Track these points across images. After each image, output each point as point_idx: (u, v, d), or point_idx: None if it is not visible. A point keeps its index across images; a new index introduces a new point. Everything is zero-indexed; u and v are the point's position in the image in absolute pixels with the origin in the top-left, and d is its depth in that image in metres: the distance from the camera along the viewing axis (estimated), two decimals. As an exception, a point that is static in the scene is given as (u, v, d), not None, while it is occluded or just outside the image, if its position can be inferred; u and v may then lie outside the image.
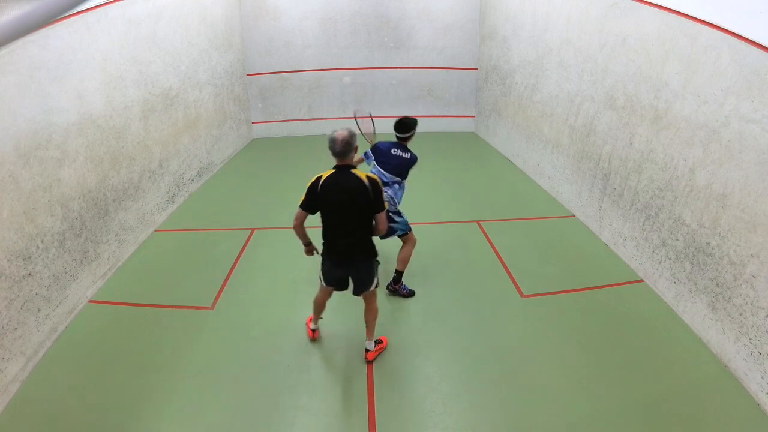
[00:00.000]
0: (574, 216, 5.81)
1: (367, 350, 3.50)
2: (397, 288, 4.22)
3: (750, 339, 3.18)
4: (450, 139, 9.29)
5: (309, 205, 3.06)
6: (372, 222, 3.09)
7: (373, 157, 4.03)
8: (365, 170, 3.37)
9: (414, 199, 6.70)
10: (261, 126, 9.60)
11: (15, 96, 3.44)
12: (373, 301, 3.39)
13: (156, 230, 5.59)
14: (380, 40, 9.17)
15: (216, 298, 4.28)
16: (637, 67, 4.40)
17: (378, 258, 3.27)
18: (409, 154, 4.04)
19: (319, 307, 3.60)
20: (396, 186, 4.03)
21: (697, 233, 3.71)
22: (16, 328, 3.33)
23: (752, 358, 3.15)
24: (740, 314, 3.27)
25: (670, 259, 4.06)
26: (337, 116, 9.68)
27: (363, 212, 3.02)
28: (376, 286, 3.32)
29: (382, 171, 3.96)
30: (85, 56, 4.29)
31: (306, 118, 9.69)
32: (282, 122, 9.67)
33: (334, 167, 3.05)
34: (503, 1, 7.77)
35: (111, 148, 4.68)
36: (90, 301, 4.24)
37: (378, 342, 3.58)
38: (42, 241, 3.67)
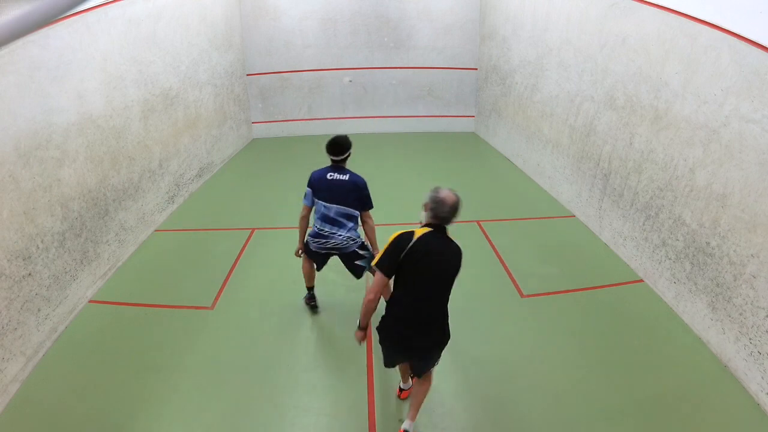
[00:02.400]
0: (574, 216, 5.81)
1: (405, 430, 2.77)
2: None
3: (750, 339, 3.18)
4: (450, 139, 9.29)
5: (389, 265, 2.42)
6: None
7: (311, 195, 3.46)
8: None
9: (414, 199, 6.69)
10: (261, 126, 9.61)
11: (15, 96, 3.44)
12: (429, 379, 2.80)
13: (156, 230, 5.59)
14: (380, 40, 9.17)
15: (216, 298, 4.28)
16: (637, 67, 4.40)
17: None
18: (348, 175, 3.43)
19: (404, 371, 3.05)
20: (349, 222, 3.44)
21: (697, 233, 3.71)
22: (16, 328, 3.33)
23: (752, 358, 3.15)
24: (740, 314, 3.27)
25: (670, 259, 4.06)
26: (337, 116, 9.70)
27: (449, 290, 2.51)
28: (435, 364, 2.76)
29: (324, 204, 3.40)
30: (85, 56, 4.28)
31: (306, 118, 9.69)
32: (282, 122, 9.67)
33: (433, 227, 2.45)
34: (503, 1, 7.77)
35: (111, 148, 4.68)
36: (90, 301, 4.24)
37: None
38: (42, 241, 3.67)
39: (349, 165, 3.63)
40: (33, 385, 3.32)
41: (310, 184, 3.49)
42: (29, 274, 3.51)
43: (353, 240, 3.52)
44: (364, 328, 2.66)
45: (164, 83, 5.83)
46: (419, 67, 9.39)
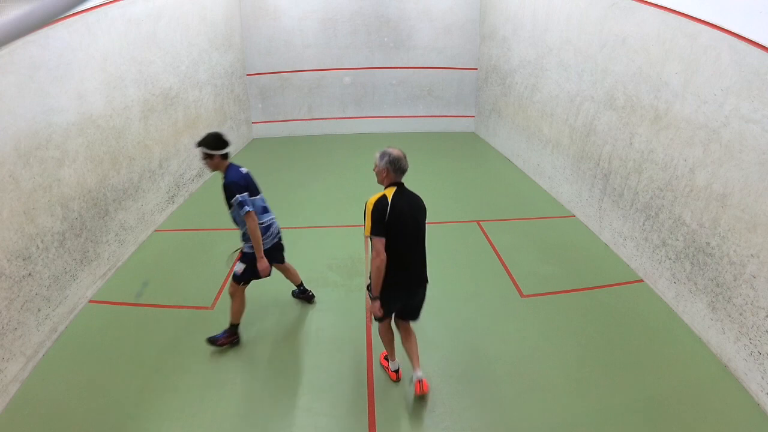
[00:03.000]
0: (574, 216, 5.81)
1: (419, 380, 3.06)
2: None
3: (750, 339, 3.18)
4: (450, 139, 9.30)
5: (382, 229, 2.71)
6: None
7: (250, 199, 3.27)
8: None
9: (414, 199, 6.70)
10: (261, 126, 9.61)
11: (15, 96, 3.44)
12: (411, 329, 3.19)
13: (156, 230, 5.59)
14: (380, 40, 9.17)
15: (216, 298, 4.28)
16: (637, 67, 4.40)
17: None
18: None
19: (389, 340, 3.22)
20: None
21: (697, 233, 3.71)
22: (16, 328, 3.33)
23: (752, 358, 3.15)
24: (740, 314, 3.27)
25: (670, 259, 4.06)
26: (337, 116, 9.70)
27: (424, 231, 2.88)
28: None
29: (261, 197, 3.42)
30: (85, 56, 4.29)
31: (306, 118, 9.69)
32: (282, 122, 9.67)
33: (395, 185, 2.80)
34: (503, 1, 7.77)
35: (111, 148, 4.68)
36: (90, 301, 4.24)
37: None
38: (42, 241, 3.67)
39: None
40: (33, 385, 3.32)
41: (240, 187, 3.23)
42: (29, 274, 3.51)
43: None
44: (378, 297, 2.83)
45: (164, 83, 5.83)
46: (419, 67, 9.39)
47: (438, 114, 9.72)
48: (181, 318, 4.03)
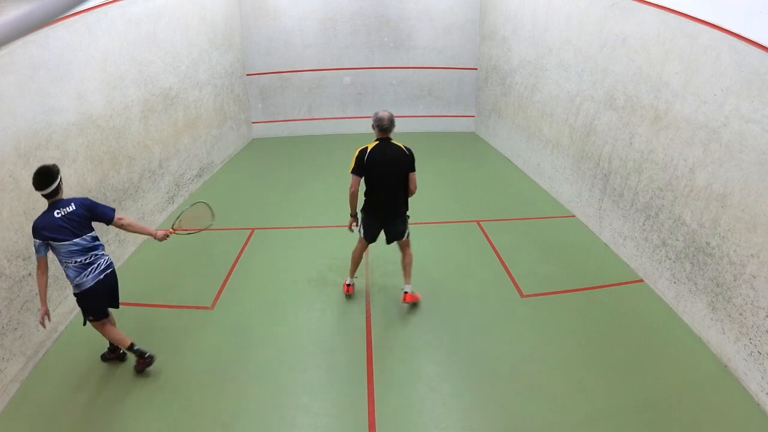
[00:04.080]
0: (574, 216, 5.81)
1: (405, 292, 3.96)
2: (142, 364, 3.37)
3: (750, 339, 3.18)
4: (450, 139, 9.29)
5: (360, 171, 3.65)
6: (406, 183, 3.74)
7: (42, 246, 2.94)
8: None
9: (414, 199, 6.70)
10: (261, 126, 9.61)
11: (15, 96, 3.44)
12: (407, 248, 3.98)
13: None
14: (380, 40, 9.17)
15: (216, 298, 4.28)
16: (637, 67, 4.40)
17: (408, 213, 3.89)
18: (71, 204, 3.10)
19: (357, 260, 4.13)
20: (99, 245, 3.19)
21: (697, 233, 3.71)
22: (16, 328, 3.33)
23: (752, 358, 3.15)
24: (740, 314, 3.27)
25: (670, 259, 4.05)
26: (337, 116, 9.70)
27: (404, 175, 3.69)
28: (407, 236, 3.92)
29: (73, 241, 3.03)
30: (85, 56, 4.28)
31: (306, 118, 9.69)
32: (282, 122, 9.67)
33: (378, 140, 3.67)
34: (503, 1, 7.77)
35: (111, 148, 4.68)
36: (90, 301, 4.24)
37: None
38: (42, 241, 3.67)
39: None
40: (33, 385, 3.32)
41: (41, 234, 2.91)
42: (29, 274, 3.51)
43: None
44: (353, 215, 3.93)
45: (164, 83, 5.83)
46: (419, 67, 9.39)
47: (438, 114, 9.72)
48: (181, 318, 4.03)
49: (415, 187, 3.80)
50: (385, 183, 3.69)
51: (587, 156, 5.43)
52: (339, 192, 6.68)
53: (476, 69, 9.31)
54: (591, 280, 4.49)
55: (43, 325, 3.08)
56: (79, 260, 3.08)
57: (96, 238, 3.20)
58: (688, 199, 3.81)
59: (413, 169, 3.74)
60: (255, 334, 3.83)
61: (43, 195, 2.99)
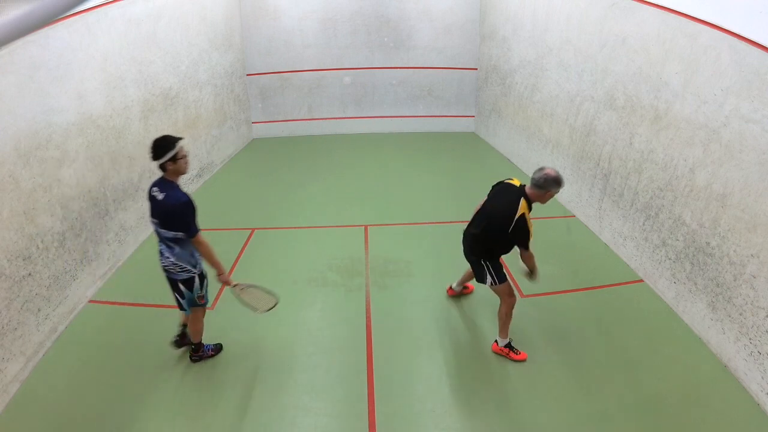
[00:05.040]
0: (574, 216, 5.81)
1: (495, 341, 3.63)
2: (200, 355, 3.50)
3: (750, 339, 3.18)
4: (450, 139, 9.29)
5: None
6: (506, 240, 3.26)
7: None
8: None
9: (414, 199, 6.72)
10: (261, 126, 9.60)
11: (15, 96, 3.44)
12: (501, 301, 3.51)
13: (156, 230, 5.59)
14: (380, 40, 9.17)
15: (216, 298, 4.28)
16: (637, 67, 4.40)
17: (488, 261, 3.40)
18: (164, 194, 2.87)
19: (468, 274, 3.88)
20: (176, 248, 3.00)
21: (697, 233, 3.71)
22: (16, 328, 3.33)
23: (752, 358, 3.15)
24: (740, 314, 3.27)
25: (670, 259, 4.06)
26: (337, 116, 9.70)
27: (498, 227, 3.19)
28: (492, 284, 3.44)
29: (152, 220, 3.00)
30: (85, 56, 4.28)
31: (306, 118, 9.69)
32: (282, 122, 9.67)
33: (507, 181, 3.34)
34: (503, 1, 7.77)
35: (111, 148, 4.68)
36: (90, 301, 4.24)
37: (510, 348, 3.54)
38: (42, 241, 3.67)
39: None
40: (33, 385, 3.32)
41: (194, 207, 2.97)
42: (29, 274, 3.51)
43: (180, 268, 3.07)
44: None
45: (164, 83, 5.83)
46: (419, 67, 9.39)
47: (438, 114, 9.71)
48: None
49: (529, 261, 3.31)
50: (480, 214, 3.42)
51: (587, 156, 5.43)
52: (339, 192, 6.69)
53: (476, 69, 9.31)
54: (591, 280, 4.49)
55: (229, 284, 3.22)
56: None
57: (171, 240, 3.03)
58: (688, 199, 3.81)
59: (523, 246, 3.19)
60: (255, 334, 3.83)
61: (159, 166, 2.88)
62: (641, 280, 4.45)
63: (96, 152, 4.43)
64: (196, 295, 3.24)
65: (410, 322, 3.98)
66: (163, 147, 2.82)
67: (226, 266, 4.74)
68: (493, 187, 3.46)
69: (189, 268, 3.11)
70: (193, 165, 6.72)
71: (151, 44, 5.50)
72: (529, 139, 7.07)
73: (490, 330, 3.85)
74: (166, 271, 3.15)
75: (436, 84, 9.50)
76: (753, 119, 3.13)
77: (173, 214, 2.88)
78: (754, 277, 3.14)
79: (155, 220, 2.97)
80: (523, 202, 3.08)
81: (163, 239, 3.03)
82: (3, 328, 3.23)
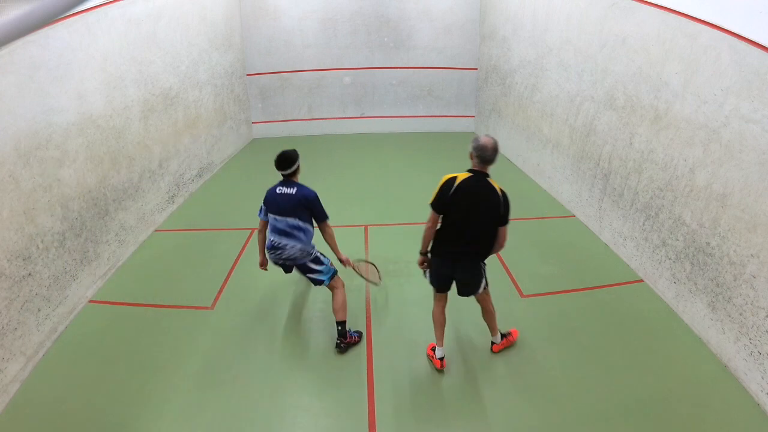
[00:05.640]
0: (574, 216, 5.81)
1: (493, 343, 3.57)
2: (348, 341, 3.65)
3: (750, 339, 3.18)
4: (450, 139, 9.29)
5: (440, 206, 3.01)
6: (493, 233, 3.05)
7: (264, 209, 3.57)
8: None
9: (414, 199, 6.71)
10: (261, 126, 9.61)
11: (15, 96, 3.44)
12: (486, 302, 3.41)
13: (156, 230, 5.59)
14: (380, 40, 9.17)
15: (216, 298, 4.28)
16: (637, 67, 4.40)
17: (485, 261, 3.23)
18: (295, 188, 3.47)
19: (437, 320, 3.39)
20: (300, 234, 3.46)
21: (697, 233, 3.71)
22: (16, 328, 3.33)
23: (752, 358, 3.15)
24: (740, 314, 3.27)
25: (670, 259, 4.06)
26: (337, 116, 9.70)
27: (491, 224, 3.01)
28: (485, 288, 3.29)
29: (275, 217, 3.48)
30: (85, 56, 4.29)
31: (306, 118, 9.69)
32: (282, 122, 9.67)
33: (472, 172, 2.99)
34: (503, 1, 7.77)
35: (111, 148, 4.68)
36: (90, 301, 4.24)
37: (505, 335, 3.60)
38: (42, 241, 3.67)
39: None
40: (33, 385, 3.32)
41: (264, 200, 3.55)
42: (29, 274, 3.51)
43: (307, 252, 3.50)
44: (423, 253, 3.23)
45: (164, 83, 5.83)
46: (419, 67, 9.39)
47: (438, 114, 9.72)
48: (181, 318, 4.03)
49: (504, 242, 3.08)
50: (466, 225, 3.01)
51: (587, 156, 5.43)
52: (339, 192, 6.69)
53: (476, 69, 9.31)
54: (591, 280, 4.49)
55: (265, 268, 3.85)
56: (272, 238, 3.52)
57: (299, 229, 3.46)
58: (688, 199, 3.81)
59: (506, 222, 3.01)
60: (255, 334, 3.83)
61: (282, 174, 3.53)
62: (641, 280, 4.45)
63: (96, 152, 4.43)
64: (327, 263, 3.65)
65: (410, 322, 3.98)
66: (292, 159, 3.52)
67: (226, 266, 4.79)
68: (439, 200, 3.02)
69: (312, 249, 3.57)
70: (193, 165, 6.73)
71: (151, 44, 5.50)
72: (529, 139, 7.07)
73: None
74: (290, 260, 3.52)
75: (436, 84, 9.50)
76: (753, 119, 3.13)
77: (312, 203, 3.46)
78: (754, 277, 3.14)
79: (285, 214, 3.44)
80: (490, 180, 2.97)
81: (287, 232, 3.46)
82: (3, 328, 3.23)
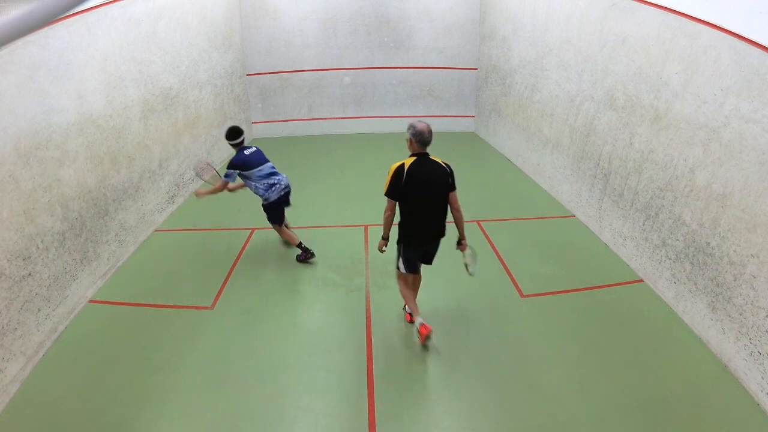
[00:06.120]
0: (574, 216, 5.81)
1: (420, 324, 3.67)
2: (305, 255, 4.76)
3: (750, 339, 3.18)
4: (450, 139, 9.28)
5: (396, 193, 3.28)
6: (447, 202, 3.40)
7: (236, 174, 4.49)
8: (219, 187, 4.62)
9: (414, 199, 6.70)
10: (261, 126, 9.61)
11: (15, 96, 3.44)
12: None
13: (156, 230, 5.59)
14: (380, 40, 9.17)
15: (216, 298, 4.28)
16: (637, 67, 4.40)
17: None
18: (252, 147, 4.72)
19: (409, 294, 3.70)
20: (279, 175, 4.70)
21: (697, 233, 3.71)
22: (16, 328, 3.33)
23: (752, 358, 3.15)
24: (740, 314, 3.27)
25: (670, 259, 4.06)
26: (337, 116, 9.70)
27: (445, 195, 3.35)
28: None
29: (260, 168, 4.56)
30: (85, 56, 4.29)
31: (306, 118, 9.69)
32: (282, 122, 9.67)
33: (415, 156, 3.29)
34: (503, 1, 7.77)
35: (111, 148, 4.68)
36: (90, 301, 4.24)
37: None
38: (42, 241, 3.67)
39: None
40: (33, 385, 3.32)
41: (237, 165, 4.48)
42: (29, 274, 3.51)
43: (288, 186, 4.75)
44: (385, 237, 3.52)
45: (164, 83, 5.83)
46: (419, 67, 9.39)
47: (438, 114, 9.72)
48: (181, 318, 4.03)
49: (459, 206, 3.43)
50: (428, 205, 3.32)
51: (587, 156, 5.43)
52: (339, 192, 6.69)
53: (476, 69, 9.31)
54: (591, 280, 4.49)
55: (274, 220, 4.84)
56: (265, 182, 4.57)
57: (274, 167, 4.70)
58: (688, 199, 3.81)
59: (455, 188, 3.38)
60: (255, 334, 3.83)
61: (232, 144, 4.59)
62: (641, 280, 4.45)
63: (96, 152, 4.43)
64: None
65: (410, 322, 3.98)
66: (242, 130, 4.65)
67: (226, 266, 4.79)
68: (394, 187, 3.29)
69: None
70: (193, 165, 6.72)
71: (151, 44, 5.50)
72: (529, 139, 7.07)
73: (489, 329, 3.85)
74: (288, 187, 4.78)
75: (436, 84, 9.50)
76: (753, 119, 3.13)
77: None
78: (754, 277, 3.14)
79: (264, 162, 4.66)
80: (433, 158, 3.34)
81: (275, 171, 4.76)
82: (3, 328, 3.23)
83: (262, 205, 4.65)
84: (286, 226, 4.86)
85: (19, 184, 3.43)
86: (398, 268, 3.60)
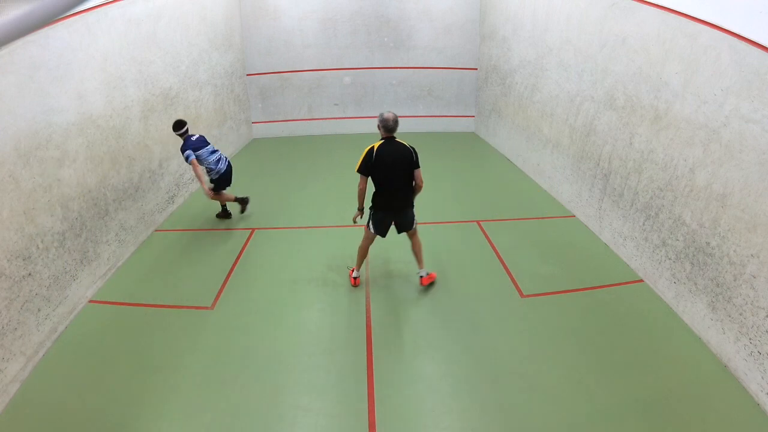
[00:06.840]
0: (574, 216, 5.81)
1: (421, 276, 4.31)
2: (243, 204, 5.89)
3: (750, 339, 3.18)
4: (450, 139, 9.30)
5: (366, 169, 3.87)
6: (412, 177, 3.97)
7: (194, 154, 5.20)
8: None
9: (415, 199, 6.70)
10: (261, 126, 9.61)
11: (15, 96, 3.44)
12: (416, 236, 4.26)
13: (156, 230, 5.59)
14: (380, 40, 9.17)
15: (216, 298, 4.28)
16: (637, 67, 4.40)
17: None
18: (196, 134, 5.48)
19: (363, 254, 4.30)
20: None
21: (697, 233, 3.71)
22: (16, 328, 3.33)
23: (752, 358, 3.15)
24: (740, 314, 3.27)
25: (670, 259, 4.06)
26: (337, 116, 9.70)
27: (410, 171, 3.93)
28: (415, 226, 4.20)
29: (208, 150, 5.34)
30: (85, 56, 4.29)
31: (306, 118, 9.69)
32: (282, 122, 9.67)
33: (383, 140, 3.89)
34: (503, 1, 7.77)
35: (111, 148, 4.68)
36: (90, 301, 4.24)
37: (428, 273, 4.34)
38: (42, 241, 3.67)
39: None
40: (33, 385, 3.32)
41: (191, 148, 5.18)
42: (29, 274, 3.51)
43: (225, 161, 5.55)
44: (360, 209, 4.15)
45: (164, 83, 5.83)
46: (419, 67, 9.39)
47: (438, 114, 9.72)
48: (181, 318, 4.03)
49: (422, 182, 3.99)
50: (394, 179, 3.90)
51: (587, 156, 5.43)
52: (339, 192, 6.69)
53: (476, 69, 9.32)
54: (591, 280, 4.49)
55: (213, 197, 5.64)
56: (212, 157, 5.34)
57: (215, 148, 5.54)
58: (688, 199, 3.81)
59: (418, 166, 3.95)
60: (255, 334, 3.83)
61: (178, 134, 5.25)
62: (641, 280, 4.45)
63: (96, 152, 4.43)
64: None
65: (410, 321, 3.98)
66: (185, 121, 5.35)
67: (226, 266, 4.79)
68: (365, 164, 3.85)
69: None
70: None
71: (151, 44, 5.50)
72: (529, 139, 7.07)
73: (489, 329, 3.85)
74: (228, 161, 5.61)
75: (436, 84, 9.50)
76: (753, 119, 3.13)
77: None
78: (754, 277, 3.14)
79: (206, 144, 5.40)
80: (398, 140, 3.91)
81: (216, 150, 5.54)
82: (3, 328, 3.23)
83: (213, 179, 5.39)
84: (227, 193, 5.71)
85: (19, 184, 3.43)
86: (368, 226, 4.13)
